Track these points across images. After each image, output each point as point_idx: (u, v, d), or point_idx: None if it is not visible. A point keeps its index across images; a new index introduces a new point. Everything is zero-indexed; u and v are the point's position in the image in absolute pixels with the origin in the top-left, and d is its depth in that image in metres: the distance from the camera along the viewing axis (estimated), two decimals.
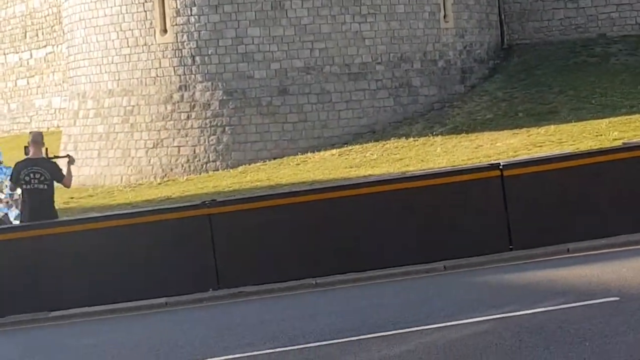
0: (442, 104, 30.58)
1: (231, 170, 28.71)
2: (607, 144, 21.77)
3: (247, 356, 9.80)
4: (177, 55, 29.92)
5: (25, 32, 43.54)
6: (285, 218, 14.02)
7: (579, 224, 13.97)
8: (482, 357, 8.74)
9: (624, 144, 19.32)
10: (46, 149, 15.51)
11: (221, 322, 11.99)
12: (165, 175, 29.60)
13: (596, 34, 32.63)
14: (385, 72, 30.16)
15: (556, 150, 22.07)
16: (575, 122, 26.18)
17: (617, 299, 10.30)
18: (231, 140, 29.39)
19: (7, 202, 19.12)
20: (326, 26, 29.62)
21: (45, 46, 42.57)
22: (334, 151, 28.35)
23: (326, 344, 9.87)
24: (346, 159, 27.15)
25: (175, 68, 29.96)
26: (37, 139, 15.45)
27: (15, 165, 15.45)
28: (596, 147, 21.02)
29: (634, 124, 24.56)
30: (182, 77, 29.89)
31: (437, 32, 31.07)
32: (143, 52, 30.40)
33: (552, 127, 26.05)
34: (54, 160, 15.77)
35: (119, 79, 31.01)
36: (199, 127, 29.65)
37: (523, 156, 21.85)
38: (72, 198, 26.31)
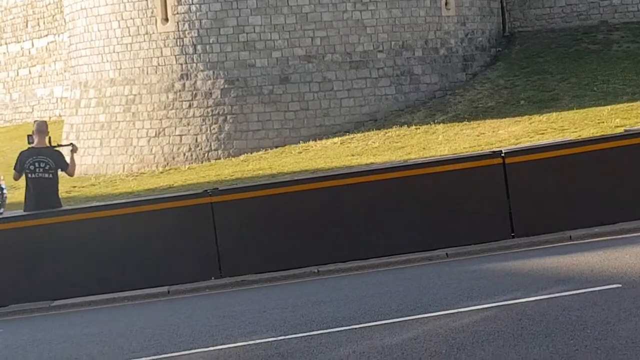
0: (443, 92, 30.55)
1: (233, 158, 28.70)
2: (609, 131, 21.77)
3: (250, 344, 9.80)
4: (178, 44, 29.89)
5: (27, 21, 43.48)
6: (287, 206, 14.03)
7: (581, 211, 13.97)
8: (484, 344, 8.75)
9: (625, 131, 19.34)
10: (50, 137, 15.53)
11: (223, 310, 11.99)
12: (167, 164, 29.61)
13: (598, 21, 32.56)
14: (386, 60, 30.13)
15: (558, 138, 22.05)
16: (577, 109, 26.15)
17: (619, 286, 10.30)
18: (233, 128, 29.38)
19: None
20: (327, 14, 29.57)
21: (46, 35, 42.51)
22: (335, 139, 28.33)
23: (329, 332, 9.87)
24: (348, 147, 27.13)
25: (177, 57, 29.94)
26: (42, 128, 15.48)
27: (20, 154, 15.48)
28: (598, 135, 20.99)
29: (635, 111, 24.55)
30: (184, 65, 29.87)
31: (438, 20, 31.00)
32: (144, 41, 30.38)
33: (554, 114, 26.03)
34: (57, 149, 15.81)
35: (120, 68, 30.99)
36: (200, 116, 29.64)
37: (525, 144, 21.84)
38: (74, 187, 26.33)
